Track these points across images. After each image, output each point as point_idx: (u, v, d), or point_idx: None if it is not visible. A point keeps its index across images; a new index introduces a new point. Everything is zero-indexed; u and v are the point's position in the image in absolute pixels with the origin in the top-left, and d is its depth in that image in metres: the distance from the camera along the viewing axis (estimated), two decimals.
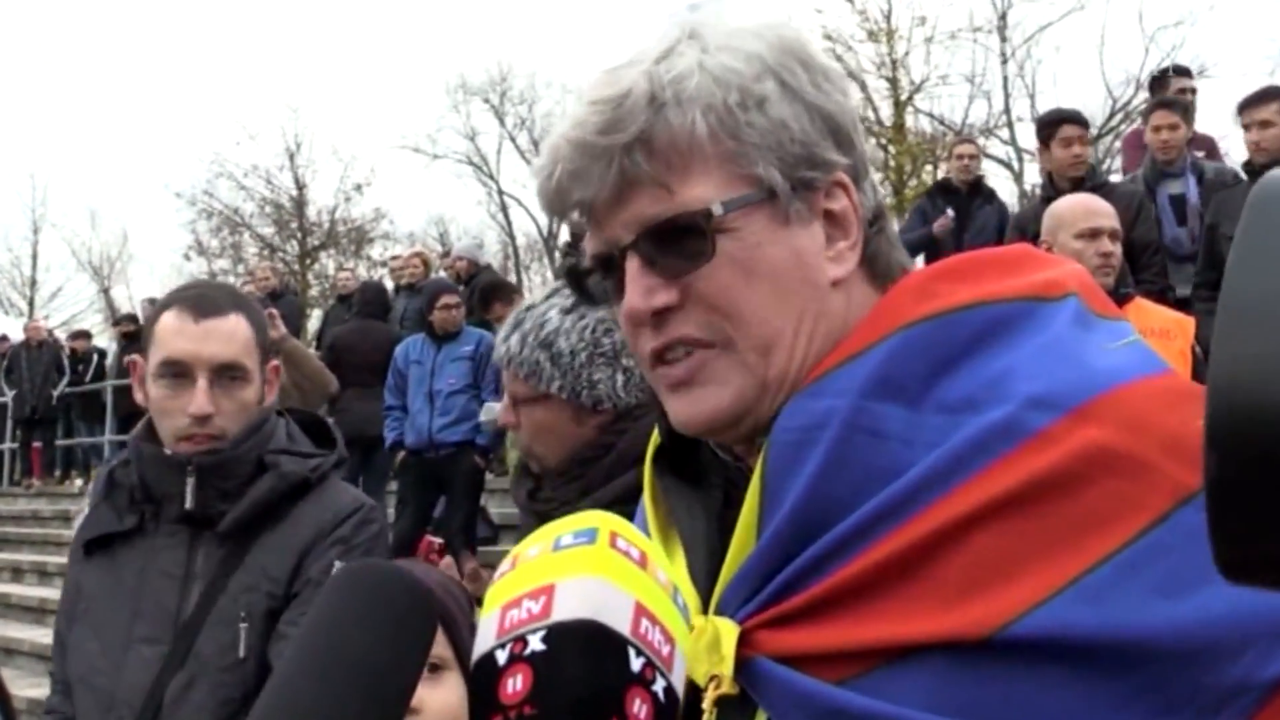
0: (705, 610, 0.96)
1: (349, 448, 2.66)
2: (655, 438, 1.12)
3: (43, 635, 9.15)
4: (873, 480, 0.90)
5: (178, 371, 2.16)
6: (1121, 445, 0.85)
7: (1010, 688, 0.83)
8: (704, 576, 0.99)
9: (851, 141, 1.02)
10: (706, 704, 0.91)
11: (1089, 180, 6.51)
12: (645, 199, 0.97)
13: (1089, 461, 0.85)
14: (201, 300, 2.22)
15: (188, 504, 2.15)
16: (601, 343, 1.96)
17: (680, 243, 0.97)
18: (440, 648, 1.59)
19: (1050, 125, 6.65)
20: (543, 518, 1.97)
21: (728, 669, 0.91)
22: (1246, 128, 6.17)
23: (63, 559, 11.00)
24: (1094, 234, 4.03)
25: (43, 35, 57.17)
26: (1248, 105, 6.18)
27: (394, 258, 15.33)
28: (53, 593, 10.27)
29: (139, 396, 2.26)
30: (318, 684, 0.86)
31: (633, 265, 0.98)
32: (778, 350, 0.97)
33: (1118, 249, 4.08)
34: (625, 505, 1.84)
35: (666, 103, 0.96)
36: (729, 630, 0.92)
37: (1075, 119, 6.83)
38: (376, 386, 8.71)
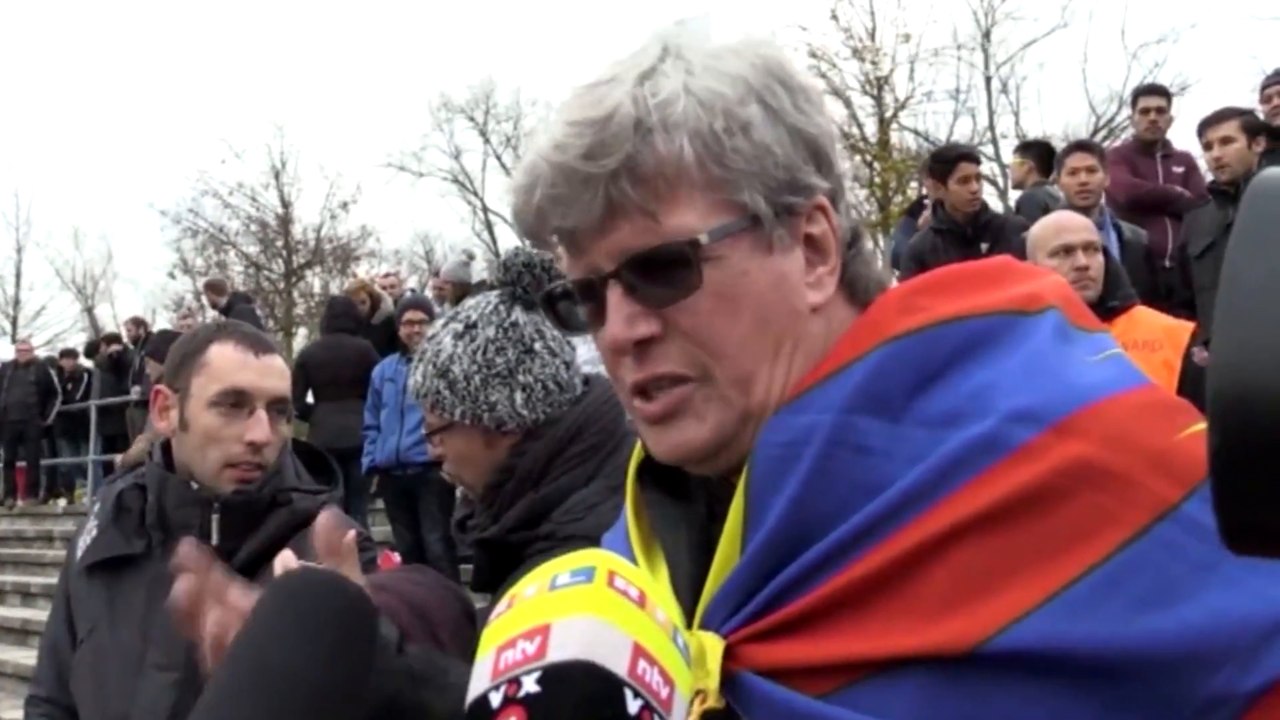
0: (689, 624, 0.96)
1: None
2: (638, 452, 1.11)
3: (25, 656, 9.08)
4: (856, 495, 0.90)
5: (237, 402, 2.24)
6: (1103, 460, 0.86)
7: (993, 701, 0.84)
8: (688, 590, 0.98)
9: (831, 163, 1.01)
10: (692, 718, 0.90)
11: (984, 215, 6.73)
12: (630, 227, 0.95)
13: (1070, 476, 0.86)
14: (256, 337, 2.33)
15: (213, 540, 2.20)
16: (494, 363, 1.94)
17: (665, 272, 0.95)
18: None
19: (948, 162, 6.77)
20: (471, 545, 1.97)
21: (713, 683, 0.91)
22: (1208, 146, 6.25)
23: (46, 580, 10.92)
24: (1066, 250, 4.10)
25: (26, 53, 57.13)
26: (1207, 125, 6.27)
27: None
28: (36, 614, 10.20)
29: (161, 425, 2.31)
30: (251, 700, 0.85)
31: (614, 294, 0.97)
32: (757, 382, 0.97)
33: (1095, 260, 4.12)
34: (528, 529, 1.86)
35: (653, 128, 0.93)
36: (714, 644, 0.92)
37: (972, 156, 7.10)
38: (350, 400, 8.69)
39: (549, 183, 0.95)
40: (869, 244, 1.06)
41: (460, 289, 10.43)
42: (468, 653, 1.58)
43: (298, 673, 0.86)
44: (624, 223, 0.95)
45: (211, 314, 14.68)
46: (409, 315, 8.33)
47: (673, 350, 0.97)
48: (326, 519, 1.84)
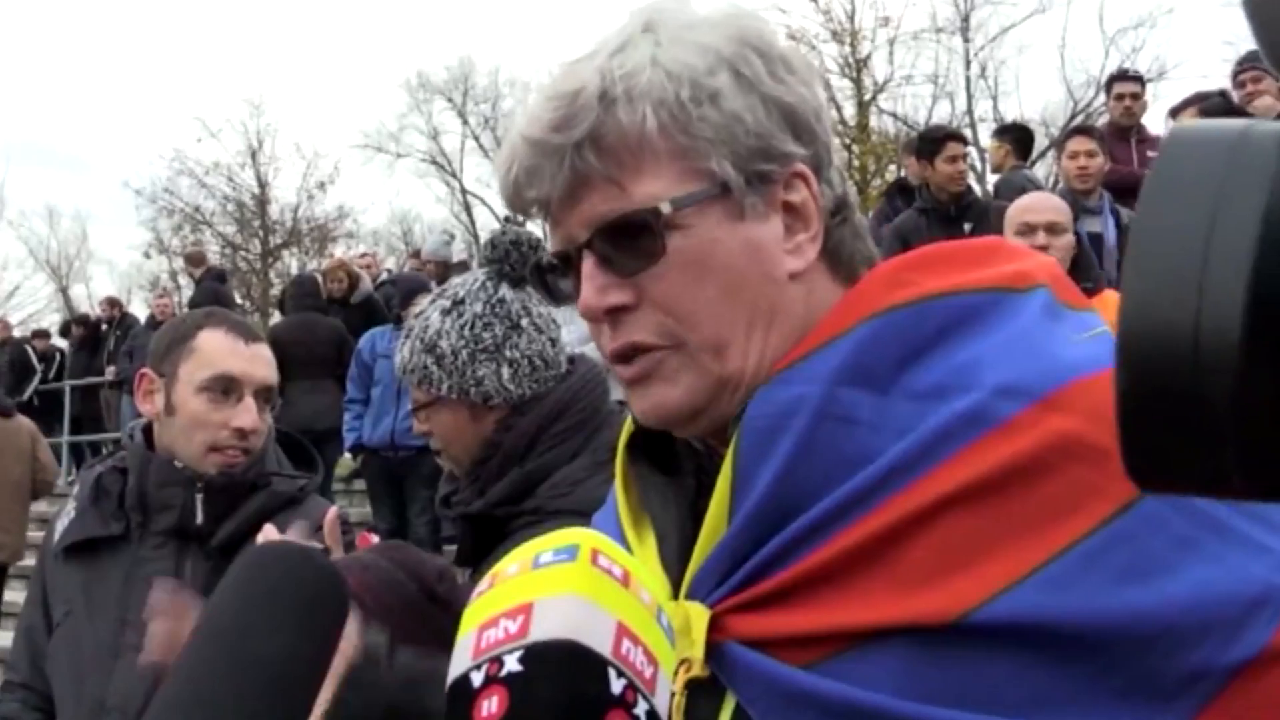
0: (676, 595, 0.97)
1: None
2: (628, 425, 1.11)
3: (0, 638, 9.02)
4: (843, 467, 0.91)
5: (226, 388, 2.25)
6: (1087, 434, 0.86)
7: (975, 671, 0.85)
8: (675, 562, 0.99)
9: (812, 131, 1.01)
10: (676, 687, 0.90)
11: (967, 196, 6.81)
12: (598, 197, 0.97)
13: (1055, 450, 0.86)
14: (245, 325, 2.37)
15: (197, 520, 2.22)
16: (481, 338, 1.98)
17: (632, 241, 0.96)
18: None
19: (936, 141, 6.79)
20: (456, 520, 1.98)
21: (698, 653, 0.92)
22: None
23: (21, 562, 10.83)
24: (1029, 229, 4.15)
25: None
26: (1176, 112, 6.35)
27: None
28: (11, 595, 10.12)
29: (145, 408, 2.32)
30: (220, 673, 0.84)
31: (588, 264, 0.98)
32: (730, 349, 0.97)
33: (1058, 241, 4.15)
34: (514, 504, 1.89)
35: (617, 99, 0.95)
36: (699, 614, 0.93)
37: (960, 136, 7.15)
38: (323, 380, 8.55)
39: (523, 157, 0.98)
40: (858, 215, 1.06)
41: (442, 268, 10.36)
42: (416, 631, 1.56)
43: (264, 644, 0.85)
44: (591, 193, 0.97)
45: (189, 293, 14.55)
46: (420, 298, 8.09)
47: (645, 319, 0.98)
48: (333, 515, 1.83)
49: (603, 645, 0.80)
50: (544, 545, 0.85)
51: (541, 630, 0.79)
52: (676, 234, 0.96)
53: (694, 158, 0.96)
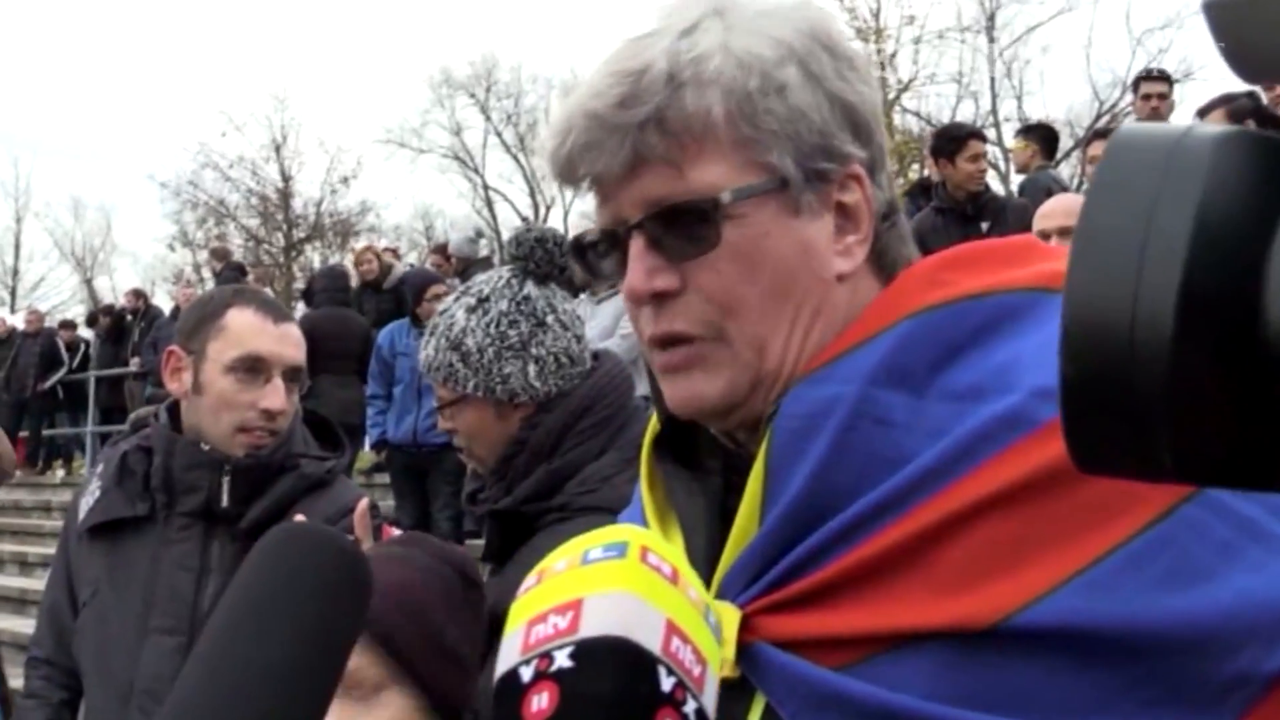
0: None
1: None
2: (654, 423, 1.10)
3: (23, 625, 9.09)
4: (878, 468, 0.90)
5: (254, 368, 2.23)
6: None
7: (1011, 676, 0.84)
8: (703, 561, 0.98)
9: (870, 133, 1.00)
10: None
11: (984, 195, 6.78)
12: (655, 178, 0.96)
13: None
14: (274, 304, 2.35)
15: (223, 503, 2.21)
16: (507, 335, 1.97)
17: (686, 227, 0.96)
18: (371, 667, 1.46)
19: (958, 139, 6.76)
20: (483, 518, 1.98)
21: (729, 653, 0.91)
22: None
23: (44, 549, 10.92)
24: (1043, 237, 4.12)
25: (26, 22, 56.79)
26: (1201, 114, 6.34)
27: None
28: (33, 583, 10.20)
29: (173, 386, 2.30)
30: (240, 656, 0.84)
31: (637, 244, 0.97)
32: (772, 345, 0.97)
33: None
34: (540, 501, 1.88)
35: (686, 82, 0.94)
36: (730, 615, 0.92)
37: (981, 134, 7.16)
38: (352, 375, 8.58)
39: (581, 130, 0.96)
40: (905, 220, 1.05)
41: (464, 264, 10.35)
42: (466, 620, 1.56)
43: (286, 628, 0.85)
44: (650, 173, 0.96)
45: (212, 284, 14.68)
46: (434, 290, 7.79)
47: (689, 307, 0.97)
48: (364, 506, 1.83)
49: (653, 643, 0.79)
50: (592, 541, 0.85)
51: (592, 626, 0.79)
52: (730, 224, 0.95)
53: (756, 150, 0.95)
